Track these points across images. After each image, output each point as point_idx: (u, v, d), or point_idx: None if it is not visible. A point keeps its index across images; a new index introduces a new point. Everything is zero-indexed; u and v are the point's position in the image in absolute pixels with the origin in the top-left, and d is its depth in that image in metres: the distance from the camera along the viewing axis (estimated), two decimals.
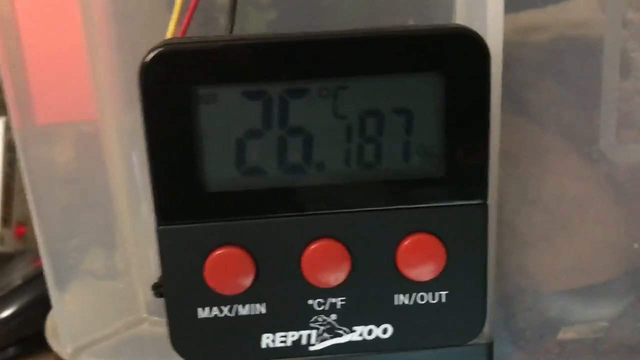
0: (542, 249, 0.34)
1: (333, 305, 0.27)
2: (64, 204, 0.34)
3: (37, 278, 0.41)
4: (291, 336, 0.27)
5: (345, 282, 0.26)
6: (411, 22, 0.31)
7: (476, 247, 0.26)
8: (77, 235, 0.34)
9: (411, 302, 0.27)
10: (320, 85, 0.25)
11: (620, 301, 0.35)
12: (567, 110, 0.32)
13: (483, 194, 0.26)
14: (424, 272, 0.26)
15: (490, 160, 0.26)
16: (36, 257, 0.37)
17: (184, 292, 0.26)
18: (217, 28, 0.30)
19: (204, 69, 0.24)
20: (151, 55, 0.24)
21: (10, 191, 0.51)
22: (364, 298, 0.27)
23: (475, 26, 0.25)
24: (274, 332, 0.27)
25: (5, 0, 0.31)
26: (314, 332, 0.27)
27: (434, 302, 0.27)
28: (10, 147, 0.50)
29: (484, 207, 0.26)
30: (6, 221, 0.50)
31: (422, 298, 0.27)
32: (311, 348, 0.27)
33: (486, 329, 0.31)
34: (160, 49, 0.24)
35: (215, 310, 0.26)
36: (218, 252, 0.26)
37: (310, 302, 0.27)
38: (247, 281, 0.26)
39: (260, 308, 0.26)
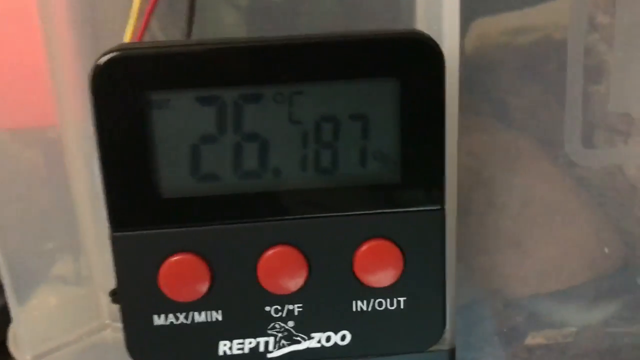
0: (510, 253, 0.34)
1: (290, 312, 0.26)
2: (25, 209, 0.34)
3: None
4: (248, 343, 0.27)
5: (302, 288, 0.26)
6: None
7: (434, 252, 0.26)
8: (39, 242, 0.34)
9: (369, 309, 0.27)
10: (275, 91, 0.24)
11: (590, 306, 0.35)
12: (541, 114, 0.32)
13: (440, 199, 0.26)
14: (381, 278, 0.26)
15: (451, 164, 0.26)
16: None
17: (139, 299, 0.26)
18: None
19: (157, 74, 0.24)
20: (103, 59, 0.24)
21: None
22: (321, 305, 0.26)
23: (432, 30, 0.25)
24: (231, 339, 0.27)
25: None
26: (271, 339, 0.27)
27: (392, 308, 0.27)
28: None
29: (441, 212, 0.26)
30: None
31: (380, 304, 0.27)
32: (269, 355, 0.27)
33: (448, 335, 0.31)
34: (113, 53, 0.24)
35: (171, 318, 0.26)
36: (173, 258, 0.25)
37: (267, 308, 0.26)
38: (203, 288, 0.26)
39: (217, 315, 0.26)
